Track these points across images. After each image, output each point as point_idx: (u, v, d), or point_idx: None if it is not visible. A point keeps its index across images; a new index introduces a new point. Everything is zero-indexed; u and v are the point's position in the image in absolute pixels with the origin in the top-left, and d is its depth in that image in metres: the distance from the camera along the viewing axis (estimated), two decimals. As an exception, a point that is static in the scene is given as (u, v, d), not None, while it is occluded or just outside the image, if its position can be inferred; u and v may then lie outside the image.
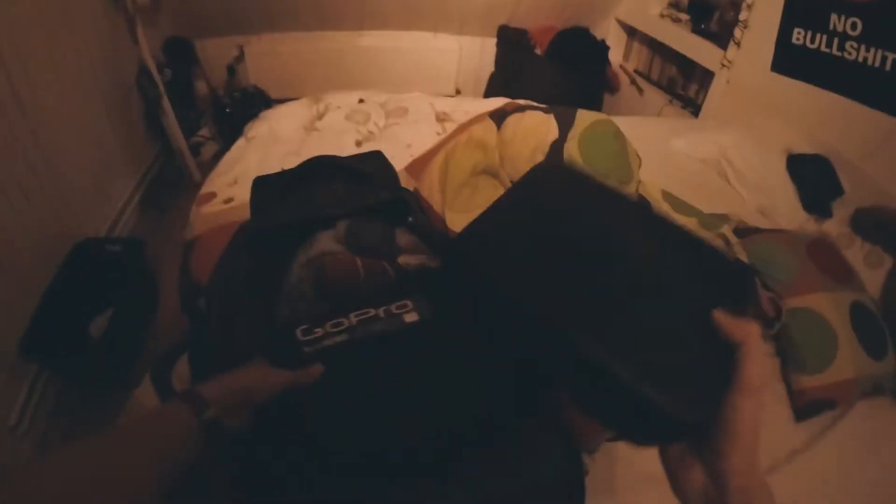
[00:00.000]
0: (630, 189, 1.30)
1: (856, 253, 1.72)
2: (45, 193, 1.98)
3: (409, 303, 0.83)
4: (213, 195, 1.54)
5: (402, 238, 1.01)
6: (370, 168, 1.11)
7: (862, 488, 1.17)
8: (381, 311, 0.81)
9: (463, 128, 1.46)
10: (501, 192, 1.33)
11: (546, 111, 1.37)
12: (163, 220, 2.77)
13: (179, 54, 3.26)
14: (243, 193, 1.45)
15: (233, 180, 1.59)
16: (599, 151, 1.29)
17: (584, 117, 1.33)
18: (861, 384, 1.29)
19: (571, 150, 1.27)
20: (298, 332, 0.78)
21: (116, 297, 1.96)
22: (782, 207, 1.97)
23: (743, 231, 1.54)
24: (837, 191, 2.02)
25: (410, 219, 1.02)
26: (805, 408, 1.27)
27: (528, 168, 1.31)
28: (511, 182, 1.33)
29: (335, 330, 0.78)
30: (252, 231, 1.00)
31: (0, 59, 1.76)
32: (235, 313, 0.91)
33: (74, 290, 1.92)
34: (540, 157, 1.28)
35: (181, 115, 2.98)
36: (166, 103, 2.82)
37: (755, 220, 1.80)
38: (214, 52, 3.49)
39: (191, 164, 3.05)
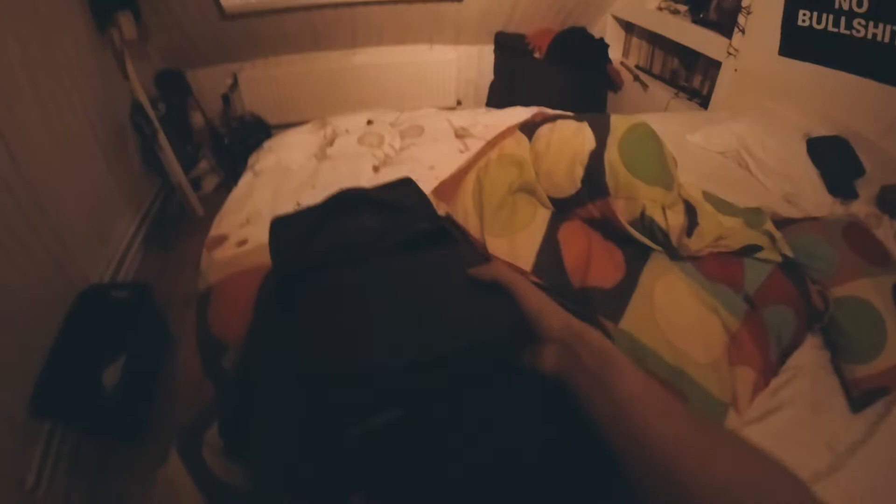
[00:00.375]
0: (672, 194, 1.21)
1: (886, 231, 1.71)
2: (43, 242, 1.91)
3: None
4: (224, 238, 1.43)
5: None
6: (400, 198, 1.01)
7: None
8: None
9: (492, 144, 1.36)
10: (541, 209, 1.25)
11: (578, 119, 1.28)
12: (168, 259, 2.69)
13: (172, 87, 3.20)
14: (258, 234, 1.36)
15: (244, 220, 1.49)
16: (641, 157, 1.20)
17: (619, 122, 1.24)
18: (912, 365, 1.26)
19: (612, 158, 1.18)
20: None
21: (127, 345, 1.90)
22: (808, 193, 1.94)
23: (777, 223, 1.49)
24: (859, 171, 2.00)
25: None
26: (861, 397, 1.23)
27: (566, 182, 1.24)
28: (549, 198, 1.24)
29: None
30: (275, 280, 0.89)
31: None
32: (270, 379, 0.80)
33: (83, 340, 1.86)
34: (579, 170, 1.19)
35: (178, 148, 2.91)
36: (162, 138, 2.74)
37: (782, 209, 1.77)
38: (207, 81, 3.44)
39: (192, 198, 2.98)
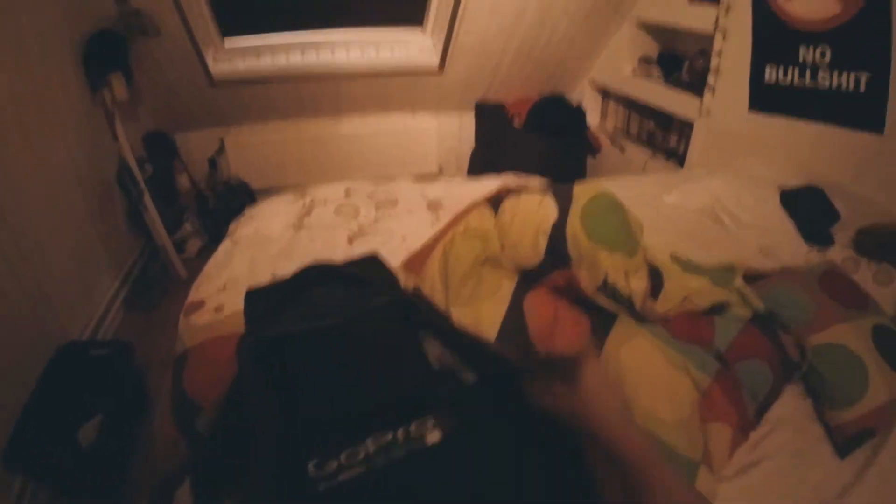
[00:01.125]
0: (635, 260, 1.25)
1: (864, 274, 1.72)
2: (25, 296, 1.93)
3: (430, 419, 0.77)
4: (201, 303, 1.46)
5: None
6: (367, 273, 1.06)
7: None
8: (400, 434, 0.75)
9: (459, 218, 1.41)
10: (506, 279, 1.28)
11: (542, 191, 1.32)
12: (149, 319, 2.68)
13: (160, 148, 3.27)
14: (234, 301, 1.38)
15: (221, 286, 1.52)
16: (602, 226, 1.24)
17: (581, 192, 1.28)
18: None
19: (575, 230, 1.21)
20: (311, 468, 0.71)
21: (105, 403, 1.88)
22: (783, 244, 1.96)
23: (751, 278, 1.51)
24: (834, 217, 2.03)
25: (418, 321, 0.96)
26: (847, 442, 1.23)
27: (531, 253, 1.28)
28: (515, 270, 1.27)
29: (351, 462, 0.71)
30: (250, 347, 0.93)
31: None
32: (243, 437, 0.84)
33: (60, 396, 1.84)
34: (542, 240, 1.22)
35: (164, 210, 2.95)
36: (148, 200, 2.79)
37: (758, 262, 1.78)
38: (195, 145, 3.51)
39: (175, 260, 3.00)
